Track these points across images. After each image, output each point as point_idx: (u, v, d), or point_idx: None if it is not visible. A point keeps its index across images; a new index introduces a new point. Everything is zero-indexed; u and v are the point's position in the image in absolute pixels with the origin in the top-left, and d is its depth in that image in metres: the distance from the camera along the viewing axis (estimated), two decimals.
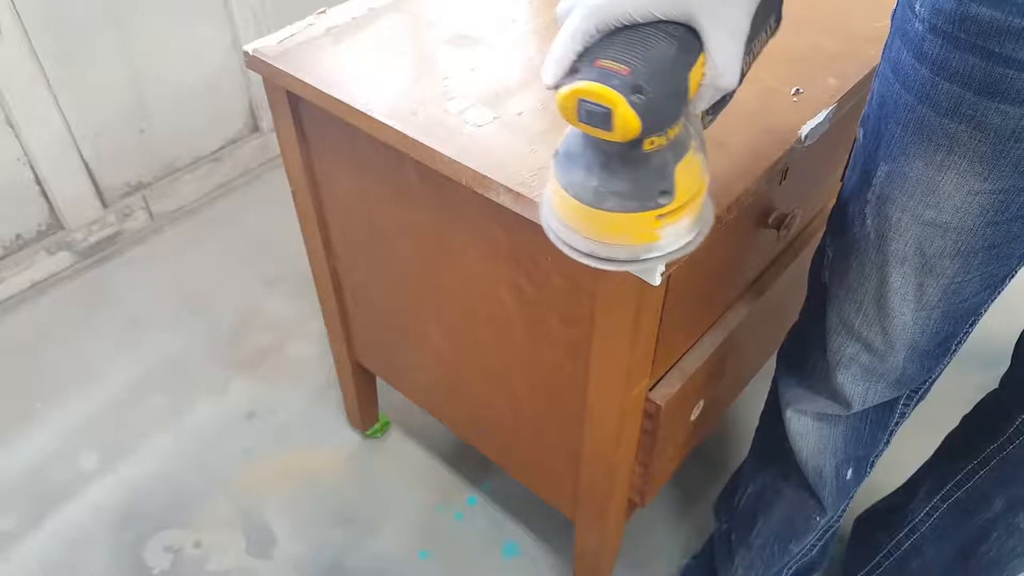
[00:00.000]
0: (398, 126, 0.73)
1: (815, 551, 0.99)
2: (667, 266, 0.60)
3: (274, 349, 1.48)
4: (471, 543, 1.20)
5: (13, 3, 1.33)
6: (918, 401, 0.82)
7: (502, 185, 0.67)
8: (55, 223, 1.59)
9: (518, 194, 0.66)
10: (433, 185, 0.78)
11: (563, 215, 0.53)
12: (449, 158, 0.70)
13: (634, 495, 0.95)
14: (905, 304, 0.67)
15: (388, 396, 1.29)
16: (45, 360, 1.47)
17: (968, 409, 0.90)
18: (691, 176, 0.51)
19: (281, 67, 0.80)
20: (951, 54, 0.53)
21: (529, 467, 1.00)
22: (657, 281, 0.61)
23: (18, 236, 1.55)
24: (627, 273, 0.63)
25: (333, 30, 0.86)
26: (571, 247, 0.54)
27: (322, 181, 0.93)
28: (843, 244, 0.70)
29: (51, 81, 1.44)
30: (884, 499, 1.06)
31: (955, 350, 0.75)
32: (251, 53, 0.82)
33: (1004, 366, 0.83)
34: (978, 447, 0.85)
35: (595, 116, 0.45)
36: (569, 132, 0.51)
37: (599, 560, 1.02)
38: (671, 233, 0.52)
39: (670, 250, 0.53)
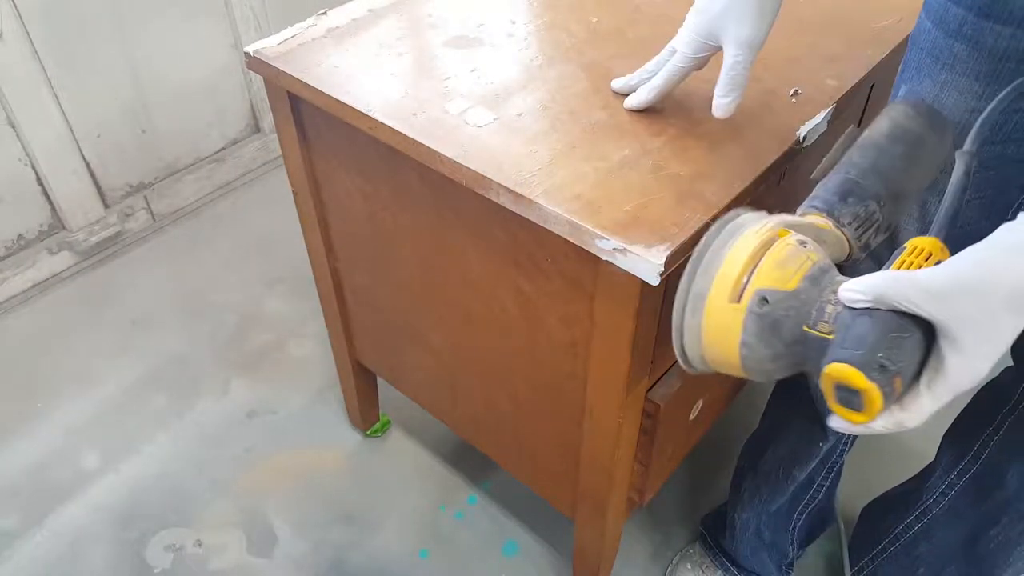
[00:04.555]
0: (398, 127, 0.73)
1: (822, 492, 1.01)
2: (666, 266, 0.61)
3: (274, 349, 1.48)
4: (471, 542, 1.20)
5: (14, 3, 1.33)
6: None
7: (502, 185, 0.67)
8: (56, 223, 1.60)
9: (518, 194, 0.66)
10: (433, 186, 0.78)
11: (714, 350, 0.52)
12: (449, 159, 0.70)
13: (633, 494, 0.95)
14: (910, 222, 0.70)
15: (388, 396, 1.29)
16: (46, 360, 1.47)
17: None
18: None
19: (282, 68, 0.81)
20: None
21: (529, 467, 1.01)
22: (657, 281, 0.62)
23: (20, 236, 1.55)
24: (627, 273, 0.63)
25: (334, 31, 0.86)
26: (688, 362, 0.54)
27: (323, 182, 0.94)
28: None
29: (52, 81, 1.44)
30: (897, 486, 1.06)
31: None
32: (252, 54, 0.83)
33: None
34: (991, 414, 0.86)
35: (847, 399, 0.46)
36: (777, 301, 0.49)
37: (598, 559, 1.02)
38: None
39: None
